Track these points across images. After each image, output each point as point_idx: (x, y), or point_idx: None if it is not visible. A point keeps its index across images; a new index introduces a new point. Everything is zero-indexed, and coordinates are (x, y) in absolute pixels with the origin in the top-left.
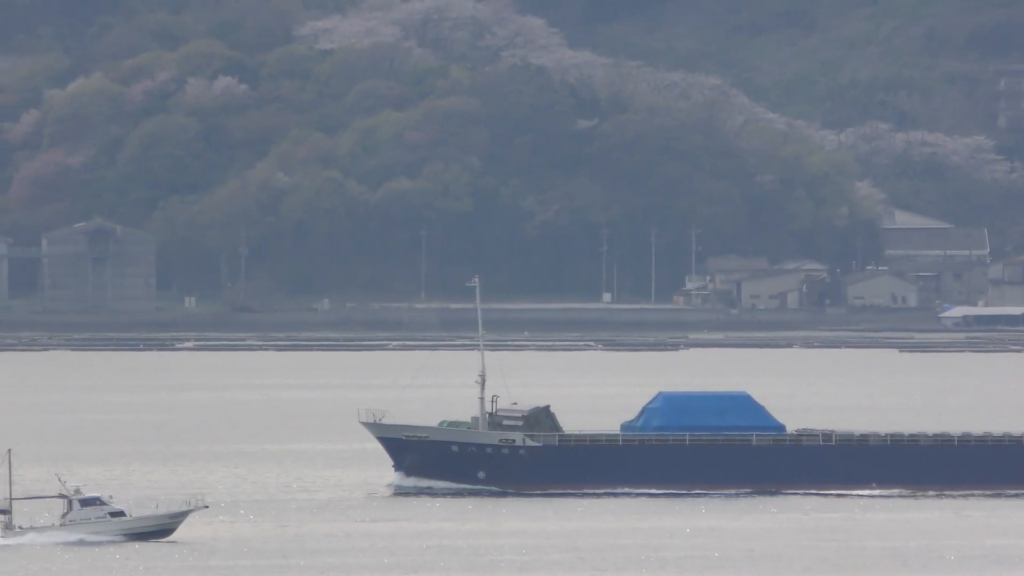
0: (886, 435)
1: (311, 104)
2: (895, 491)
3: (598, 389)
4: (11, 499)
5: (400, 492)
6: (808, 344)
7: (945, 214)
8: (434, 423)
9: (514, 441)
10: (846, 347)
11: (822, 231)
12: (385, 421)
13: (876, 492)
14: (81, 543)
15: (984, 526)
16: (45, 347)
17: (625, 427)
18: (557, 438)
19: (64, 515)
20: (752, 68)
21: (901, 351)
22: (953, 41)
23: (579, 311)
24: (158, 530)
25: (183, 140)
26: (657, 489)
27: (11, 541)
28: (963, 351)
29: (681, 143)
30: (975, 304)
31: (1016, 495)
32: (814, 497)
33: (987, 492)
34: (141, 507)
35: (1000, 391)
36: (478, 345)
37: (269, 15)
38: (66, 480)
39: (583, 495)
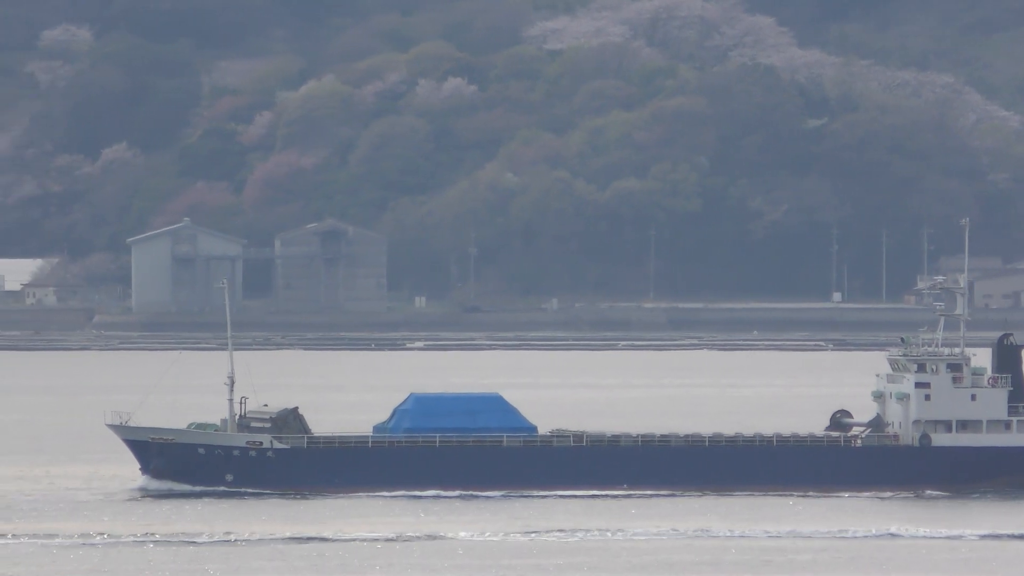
0: (637, 436)
1: (540, 104)
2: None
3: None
4: None
5: (147, 495)
6: None
7: None
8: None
9: (262, 443)
10: None
11: None
12: (131, 423)
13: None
14: None
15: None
16: (279, 346)
17: (377, 429)
18: (305, 440)
19: None
20: (986, 66)
21: None
22: None
23: (808, 311)
24: None
25: (413, 141)
26: (408, 491)
27: None
28: None
29: (912, 142)
30: None
31: (768, 494)
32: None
33: (736, 492)
34: None
35: None
36: (226, 346)
37: (498, 16)
38: None
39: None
